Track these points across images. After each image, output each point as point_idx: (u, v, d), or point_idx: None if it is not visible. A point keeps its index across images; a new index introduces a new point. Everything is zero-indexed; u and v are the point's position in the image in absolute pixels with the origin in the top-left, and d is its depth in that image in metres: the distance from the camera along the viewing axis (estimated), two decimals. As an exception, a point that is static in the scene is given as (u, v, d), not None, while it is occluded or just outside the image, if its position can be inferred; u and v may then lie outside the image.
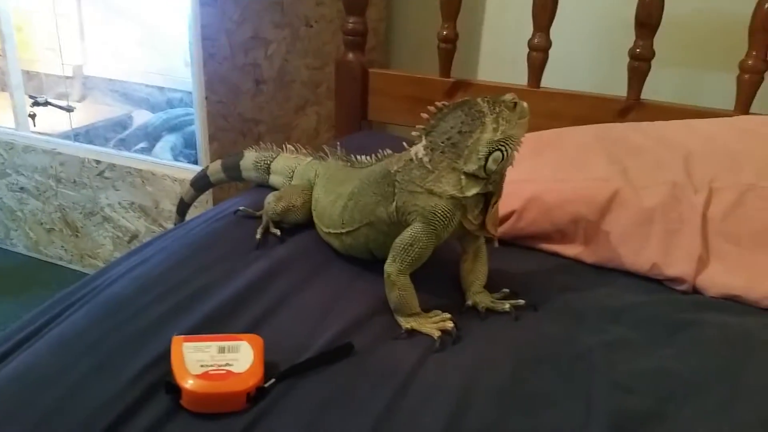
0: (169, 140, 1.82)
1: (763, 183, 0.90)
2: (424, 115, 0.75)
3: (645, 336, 0.75)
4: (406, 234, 0.74)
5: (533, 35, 1.30)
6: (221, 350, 0.64)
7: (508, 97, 0.73)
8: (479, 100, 0.73)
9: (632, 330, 0.76)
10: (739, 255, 0.87)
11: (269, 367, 0.64)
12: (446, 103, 0.75)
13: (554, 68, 1.36)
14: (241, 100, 1.57)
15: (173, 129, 1.86)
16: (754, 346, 0.72)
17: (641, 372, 0.68)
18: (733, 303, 0.83)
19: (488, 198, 0.75)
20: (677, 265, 0.86)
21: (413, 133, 0.77)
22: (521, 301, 0.79)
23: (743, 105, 1.21)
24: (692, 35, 1.60)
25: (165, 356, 0.64)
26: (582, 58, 1.72)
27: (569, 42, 1.60)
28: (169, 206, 1.59)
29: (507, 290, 0.82)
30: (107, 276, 0.82)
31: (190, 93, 1.51)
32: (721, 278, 0.85)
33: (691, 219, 0.89)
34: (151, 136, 1.83)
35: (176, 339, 0.65)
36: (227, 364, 0.62)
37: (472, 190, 0.73)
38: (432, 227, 0.74)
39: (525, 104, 0.74)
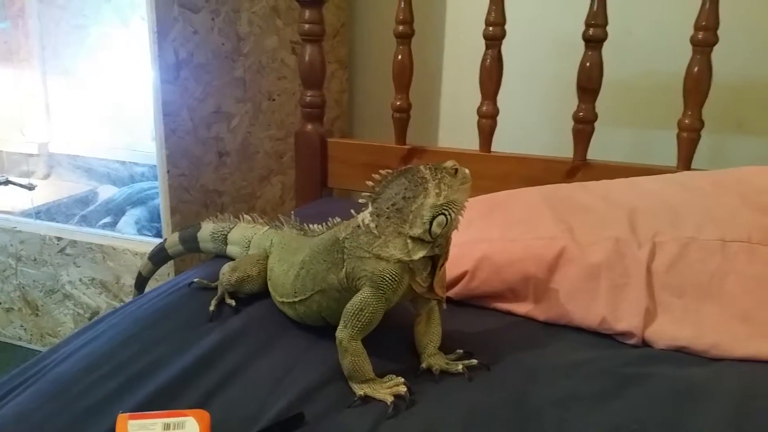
0: (133, 214, 1.82)
1: (703, 236, 0.93)
2: (370, 183, 0.77)
3: (595, 391, 0.75)
4: (356, 299, 0.75)
5: (481, 103, 1.36)
6: (166, 427, 0.63)
7: (449, 163, 0.76)
8: (421, 167, 0.76)
9: (583, 385, 0.76)
10: (684, 307, 0.89)
11: (217, 442, 0.63)
12: (390, 171, 0.77)
13: (506, 133, 1.42)
14: (204, 173, 1.59)
15: (137, 203, 1.87)
16: (701, 397, 0.73)
17: (592, 427, 0.69)
18: (681, 354, 0.85)
19: (435, 261, 0.77)
20: (626, 319, 0.88)
21: (360, 200, 0.79)
22: (474, 362, 0.80)
23: (685, 161, 1.26)
24: (638, 96, 1.68)
25: (110, 436, 0.63)
26: (532, 122, 1.79)
27: (519, 107, 1.67)
28: (131, 281, 1.57)
29: (461, 351, 0.82)
30: (57, 355, 0.81)
31: (155, 167, 1.53)
32: (668, 330, 0.87)
33: (637, 273, 0.91)
34: (113, 212, 1.84)
35: (121, 417, 0.64)
36: (172, 441, 0.61)
37: (419, 254, 0.75)
38: (381, 291, 0.75)
39: (466, 170, 0.76)
